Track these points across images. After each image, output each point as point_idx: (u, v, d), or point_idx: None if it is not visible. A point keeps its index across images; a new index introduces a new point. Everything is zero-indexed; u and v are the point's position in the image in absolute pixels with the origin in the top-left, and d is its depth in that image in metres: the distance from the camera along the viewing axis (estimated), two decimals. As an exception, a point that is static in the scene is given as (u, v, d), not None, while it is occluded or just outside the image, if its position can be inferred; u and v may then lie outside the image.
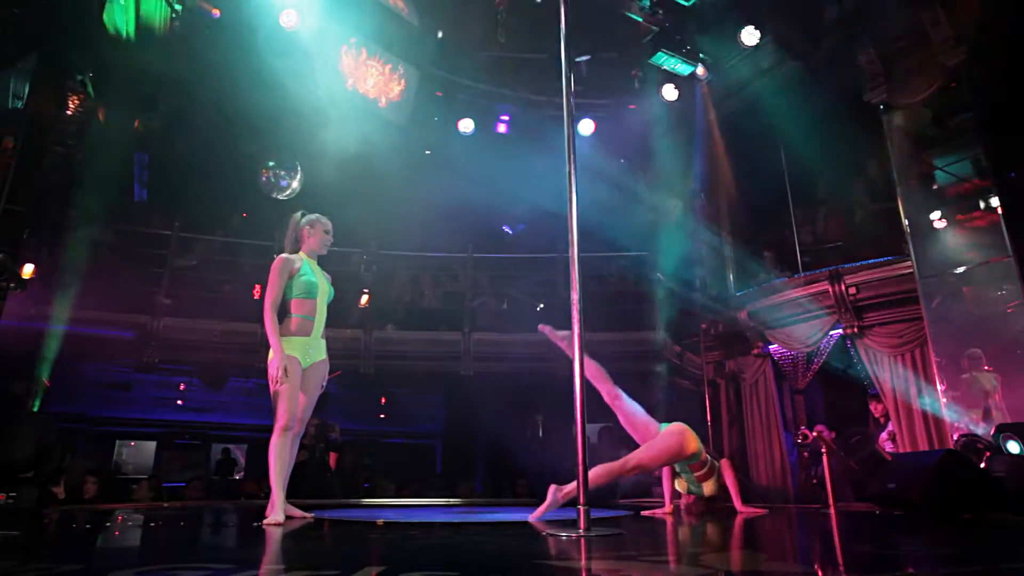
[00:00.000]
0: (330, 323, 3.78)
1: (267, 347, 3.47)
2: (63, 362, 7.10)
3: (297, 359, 3.48)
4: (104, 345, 7.57)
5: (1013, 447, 4.05)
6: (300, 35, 7.34)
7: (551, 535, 2.57)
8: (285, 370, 3.34)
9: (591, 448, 7.78)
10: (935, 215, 6.16)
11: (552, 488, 3.47)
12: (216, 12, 7.26)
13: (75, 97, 6.97)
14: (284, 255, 3.61)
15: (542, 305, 9.24)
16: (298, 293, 3.55)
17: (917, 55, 6.29)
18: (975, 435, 4.95)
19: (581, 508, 2.51)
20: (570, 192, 2.94)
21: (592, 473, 3.41)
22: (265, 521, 3.21)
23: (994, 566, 1.84)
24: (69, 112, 6.90)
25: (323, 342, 3.68)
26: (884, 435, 6.53)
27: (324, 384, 3.70)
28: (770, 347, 7.80)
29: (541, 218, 8.88)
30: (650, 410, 4.27)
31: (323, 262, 3.86)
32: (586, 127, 8.92)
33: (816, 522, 3.88)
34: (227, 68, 7.41)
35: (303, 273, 3.57)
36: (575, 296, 2.79)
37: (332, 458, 7.82)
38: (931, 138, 6.28)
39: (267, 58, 7.20)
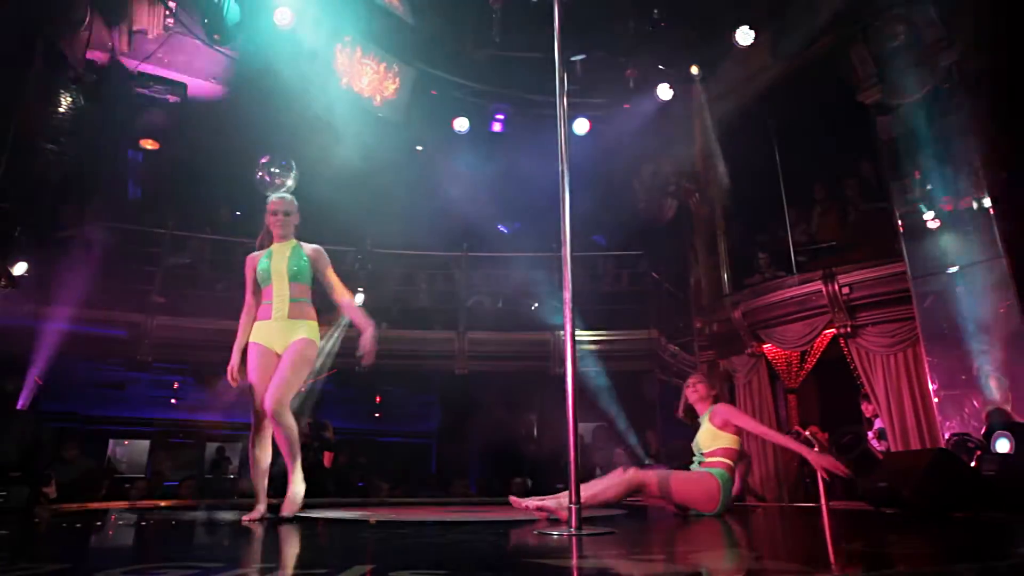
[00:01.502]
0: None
1: None
2: (56, 361, 7.06)
3: (260, 345, 3.51)
4: (97, 344, 7.54)
5: (1002, 446, 4.07)
6: (294, 33, 7.33)
7: (542, 533, 2.57)
8: (241, 370, 3.50)
9: (584, 447, 7.80)
10: (928, 215, 6.18)
11: (535, 506, 3.42)
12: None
13: (68, 95, 6.92)
14: (251, 254, 3.67)
15: (536, 304, 9.23)
16: (258, 286, 3.62)
17: (910, 55, 6.31)
18: (967, 434, 4.98)
19: (572, 507, 2.51)
20: (563, 191, 2.94)
21: (602, 485, 3.45)
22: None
23: (984, 564, 1.85)
24: (61, 110, 6.85)
25: (297, 324, 3.50)
26: (871, 433, 6.56)
27: (300, 357, 3.46)
28: (764, 346, 7.82)
29: (536, 217, 8.88)
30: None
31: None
32: (581, 126, 8.92)
33: (808, 520, 3.89)
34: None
35: (260, 264, 3.59)
36: (567, 295, 2.79)
37: (327, 457, 7.81)
38: (923, 138, 6.30)
39: (263, 56, 7.18)
